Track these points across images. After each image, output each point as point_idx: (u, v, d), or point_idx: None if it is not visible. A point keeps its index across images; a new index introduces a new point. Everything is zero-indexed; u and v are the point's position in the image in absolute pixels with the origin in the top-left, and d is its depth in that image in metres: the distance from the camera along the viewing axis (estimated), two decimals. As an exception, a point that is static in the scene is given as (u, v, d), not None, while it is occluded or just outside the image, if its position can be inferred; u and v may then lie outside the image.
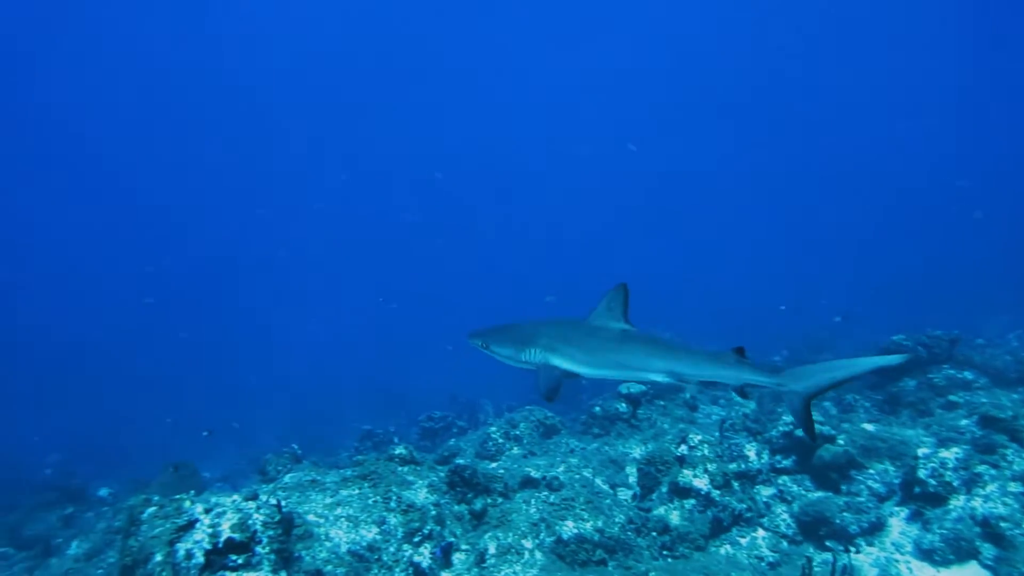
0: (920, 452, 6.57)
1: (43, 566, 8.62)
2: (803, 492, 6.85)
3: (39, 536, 10.00)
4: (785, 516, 6.58)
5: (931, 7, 44.42)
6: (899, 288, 29.21)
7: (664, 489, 6.75)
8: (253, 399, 25.61)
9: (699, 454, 6.72)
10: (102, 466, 17.65)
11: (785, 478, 7.06)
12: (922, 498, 6.27)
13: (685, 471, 6.63)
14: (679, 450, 6.88)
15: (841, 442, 6.94)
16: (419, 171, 58.86)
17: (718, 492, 6.43)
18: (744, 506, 6.46)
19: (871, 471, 6.80)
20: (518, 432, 9.30)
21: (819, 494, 6.76)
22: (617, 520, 6.22)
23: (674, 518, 6.36)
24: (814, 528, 6.33)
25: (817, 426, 7.01)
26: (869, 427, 7.36)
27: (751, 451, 7.29)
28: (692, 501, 6.43)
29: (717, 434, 8.56)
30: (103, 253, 56.77)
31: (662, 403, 9.44)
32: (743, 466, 6.99)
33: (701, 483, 6.47)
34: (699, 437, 6.94)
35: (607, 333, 4.92)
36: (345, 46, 53.86)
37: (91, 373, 35.24)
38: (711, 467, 6.57)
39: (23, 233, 56.58)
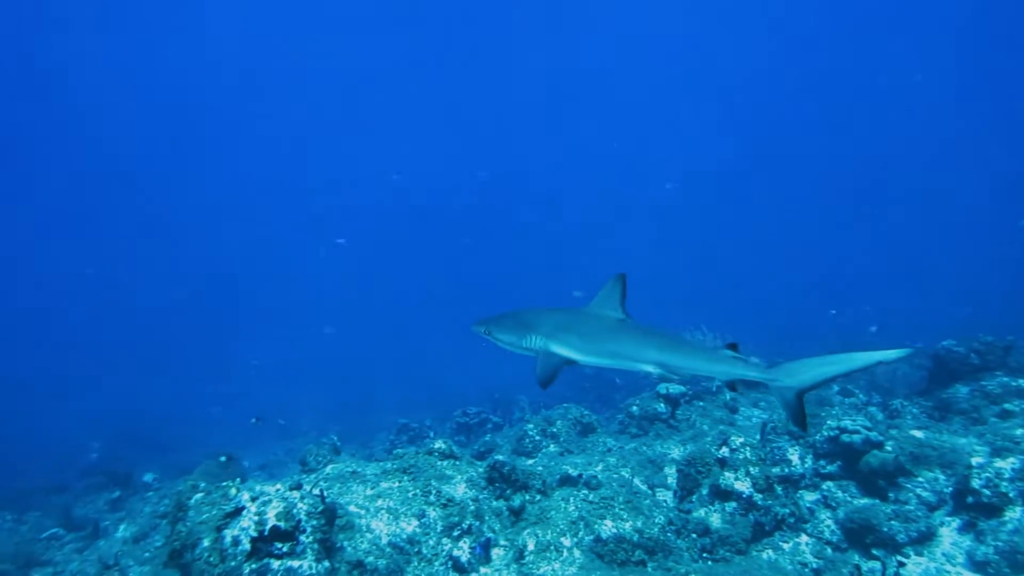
0: (974, 461, 6.35)
1: (92, 547, 8.89)
2: (848, 498, 6.68)
3: (88, 518, 10.35)
4: (829, 522, 6.43)
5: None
6: (950, 293, 28.43)
7: (705, 491, 6.66)
8: (289, 390, 26.06)
9: (741, 457, 6.62)
10: (144, 452, 18.20)
11: (830, 483, 6.89)
12: (975, 508, 6.07)
13: (727, 473, 6.53)
14: (720, 452, 6.78)
15: (889, 448, 6.75)
16: (465, 167, 59.37)
17: (760, 496, 6.32)
18: (787, 511, 6.33)
19: (920, 479, 6.59)
20: (555, 430, 9.29)
21: (865, 501, 6.58)
22: (657, 521, 6.17)
23: (715, 521, 6.27)
24: (860, 535, 6.17)
25: (864, 432, 6.87)
26: (918, 434, 7.14)
27: (794, 455, 7.14)
28: (733, 504, 6.33)
29: (758, 437, 8.41)
30: (148, 249, 58.60)
31: (701, 404, 9.32)
32: (786, 470, 6.86)
33: (743, 486, 6.37)
34: (741, 439, 6.83)
35: (604, 322, 5.01)
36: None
37: (135, 362, 36.38)
38: (753, 470, 6.46)
39: (74, 227, 58.73)
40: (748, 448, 6.71)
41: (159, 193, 61.11)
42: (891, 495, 6.55)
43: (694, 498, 6.77)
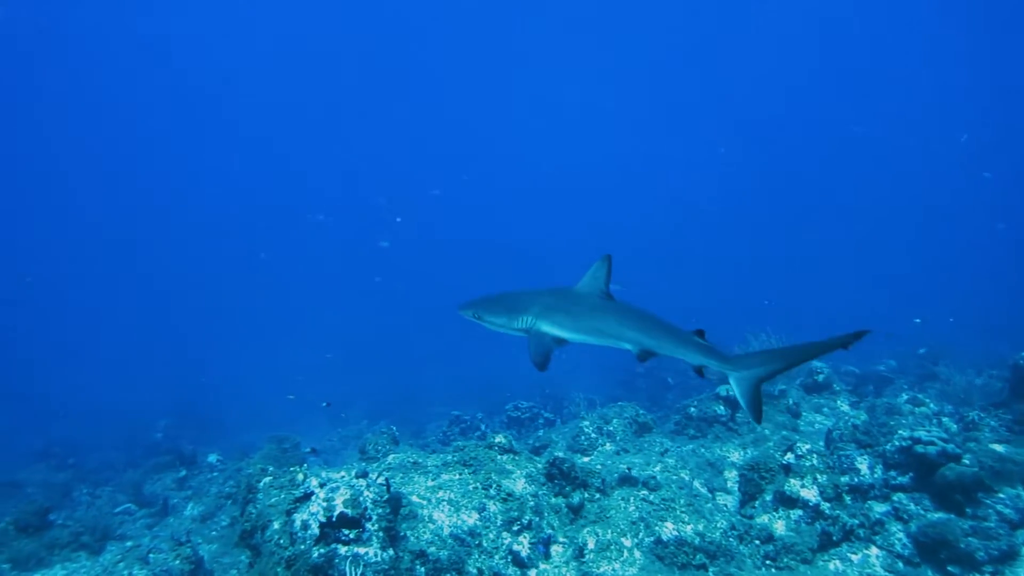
0: (1061, 479, 6.01)
1: (162, 524, 9.28)
2: (921, 512, 6.41)
3: (157, 495, 10.81)
4: (901, 535, 6.19)
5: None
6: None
7: (768, 497, 6.51)
8: (341, 377, 26.63)
9: (807, 464, 6.44)
10: (204, 433, 18.93)
11: (901, 495, 6.62)
12: (1063, 529, 5.75)
13: (792, 480, 6.36)
14: (785, 458, 6.61)
15: (967, 461, 6.45)
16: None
17: (828, 505, 6.14)
18: (856, 521, 6.13)
19: (1002, 495, 6.27)
20: (611, 428, 9.22)
21: (940, 515, 6.30)
22: (718, 525, 6.06)
23: (779, 528, 6.13)
24: (934, 551, 5.92)
25: (940, 443, 6.57)
26: (999, 448, 6.79)
27: (863, 464, 6.89)
28: (799, 512, 6.17)
29: (822, 443, 8.17)
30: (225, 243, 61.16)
31: (763, 408, 9.08)
32: (855, 479, 6.63)
33: (809, 494, 6.20)
34: (807, 446, 6.65)
35: (590, 301, 5.19)
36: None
37: (200, 347, 37.99)
38: (821, 478, 6.28)
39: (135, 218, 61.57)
40: (815, 455, 6.53)
41: (242, 188, 63.87)
42: (968, 510, 6.24)
43: (757, 503, 6.62)
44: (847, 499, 6.24)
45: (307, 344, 33.75)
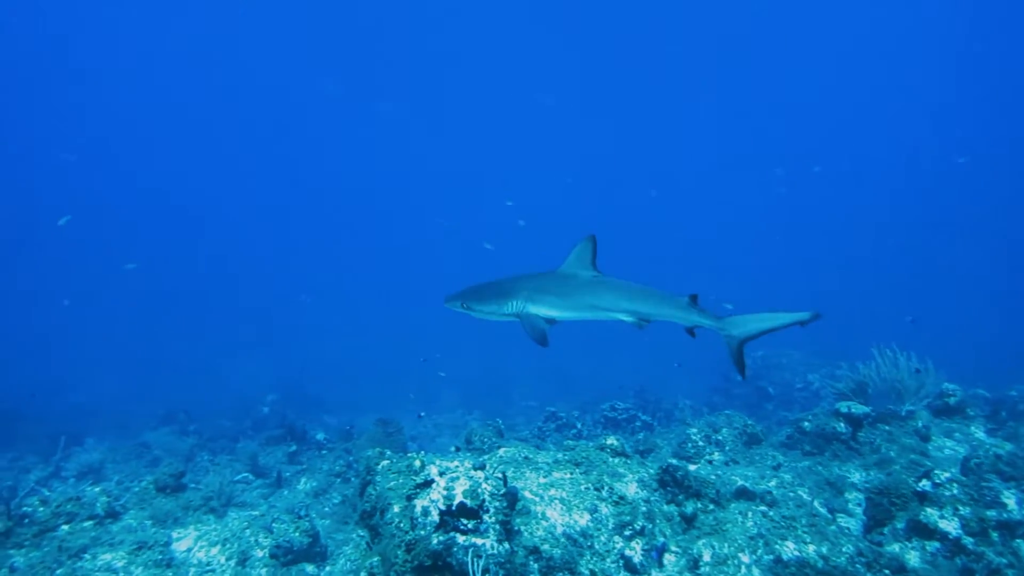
0: None
1: (276, 495, 9.80)
2: (1080, 557, 5.80)
3: (271, 467, 11.45)
4: (1055, 581, 5.62)
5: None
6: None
7: (900, 525, 6.08)
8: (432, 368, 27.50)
9: (947, 493, 5.96)
10: (306, 410, 19.95)
11: (1055, 536, 6.02)
12: None
13: (928, 509, 5.91)
14: (920, 485, 6.15)
15: None
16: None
17: (971, 540, 5.65)
18: (1004, 560, 5.60)
19: None
20: (720, 437, 8.91)
21: (1103, 563, 5.68)
22: (844, 550, 5.71)
23: (912, 559, 5.71)
24: (1096, 602, 5.34)
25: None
26: None
27: (1010, 499, 6.28)
28: (936, 544, 5.72)
29: (955, 470, 7.54)
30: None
31: (887, 428, 8.50)
32: (1002, 515, 6.07)
33: (949, 526, 5.74)
34: (947, 474, 6.15)
35: (579, 280, 5.44)
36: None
37: (308, 331, 40.31)
38: (963, 510, 5.79)
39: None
40: (956, 485, 6.03)
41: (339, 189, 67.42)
42: None
43: (886, 530, 6.20)
44: (994, 536, 5.72)
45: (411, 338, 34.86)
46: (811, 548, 5.62)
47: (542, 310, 5.35)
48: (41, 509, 6.84)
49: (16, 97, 52.98)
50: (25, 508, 6.83)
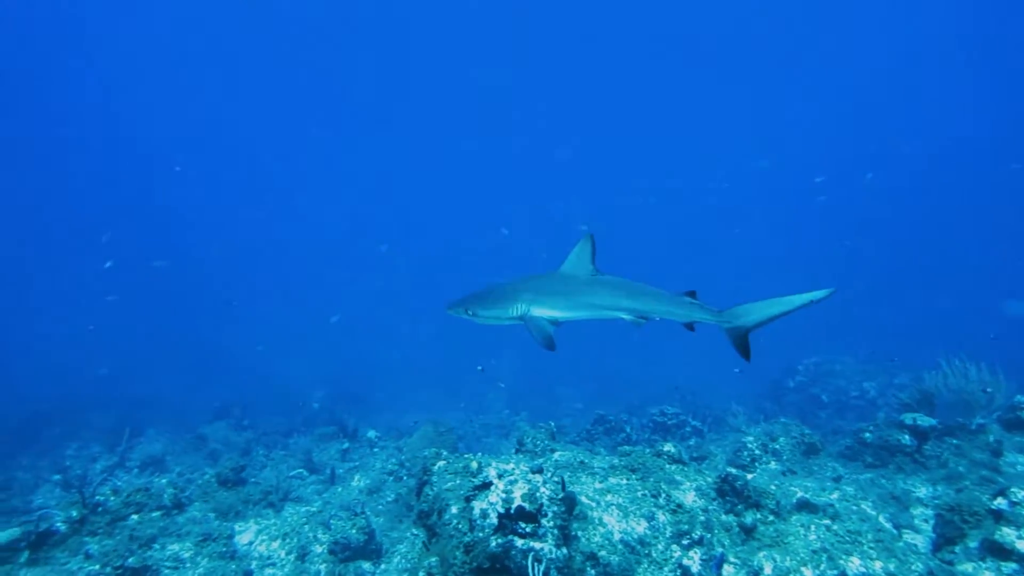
0: None
1: (330, 491, 9.98)
2: None
3: (324, 463, 11.69)
4: None
5: None
6: None
7: (972, 544, 5.83)
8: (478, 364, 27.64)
9: (1024, 512, 5.69)
10: (354, 406, 20.26)
11: None
12: None
13: (1005, 529, 5.65)
14: (996, 503, 5.89)
15: None
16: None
17: (1052, 563, 5.38)
18: (1087, 586, 5.33)
19: None
20: (777, 447, 8.70)
21: None
22: (913, 568, 5.52)
23: (986, 580, 5.47)
24: None
25: None
26: None
27: (1093, 520, 5.98)
28: (1014, 566, 5.46)
29: (1031, 489, 7.19)
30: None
31: (955, 442, 8.17)
32: (1085, 537, 5.77)
33: (1028, 547, 5.47)
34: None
35: (580, 279, 5.44)
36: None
37: (357, 332, 41.16)
38: (1044, 531, 5.52)
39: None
40: (1035, 504, 5.75)
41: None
42: None
43: (957, 549, 5.95)
44: (1077, 559, 5.44)
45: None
46: (878, 565, 5.45)
47: (546, 312, 5.37)
48: (113, 499, 7.13)
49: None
50: (98, 497, 7.13)
